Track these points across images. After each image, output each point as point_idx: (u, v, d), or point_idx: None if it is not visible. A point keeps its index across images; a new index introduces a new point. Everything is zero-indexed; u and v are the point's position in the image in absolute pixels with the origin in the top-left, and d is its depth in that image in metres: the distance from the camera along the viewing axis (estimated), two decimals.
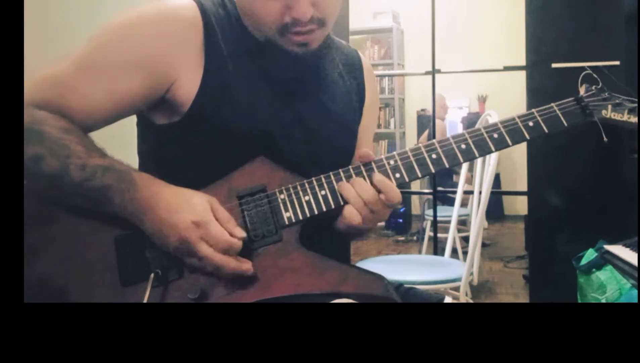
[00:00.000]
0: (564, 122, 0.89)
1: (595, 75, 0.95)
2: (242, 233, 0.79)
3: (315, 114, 0.94)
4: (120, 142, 0.89)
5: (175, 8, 0.86)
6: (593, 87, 0.93)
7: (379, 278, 0.81)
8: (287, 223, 0.83)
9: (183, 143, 0.87)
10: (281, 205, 0.84)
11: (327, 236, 0.88)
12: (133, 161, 0.89)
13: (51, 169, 0.78)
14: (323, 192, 0.84)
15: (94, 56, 0.85)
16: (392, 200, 0.84)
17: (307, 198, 0.84)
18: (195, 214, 0.77)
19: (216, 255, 0.77)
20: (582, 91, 0.93)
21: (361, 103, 1.04)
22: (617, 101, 0.92)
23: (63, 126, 0.81)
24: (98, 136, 0.87)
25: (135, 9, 0.86)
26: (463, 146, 0.87)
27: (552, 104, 0.90)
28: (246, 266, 0.79)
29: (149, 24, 0.85)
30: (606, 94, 0.92)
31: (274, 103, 0.90)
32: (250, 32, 0.89)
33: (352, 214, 0.83)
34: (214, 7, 0.89)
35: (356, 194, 0.83)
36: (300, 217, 0.83)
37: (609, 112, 0.91)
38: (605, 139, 0.90)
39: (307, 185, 0.85)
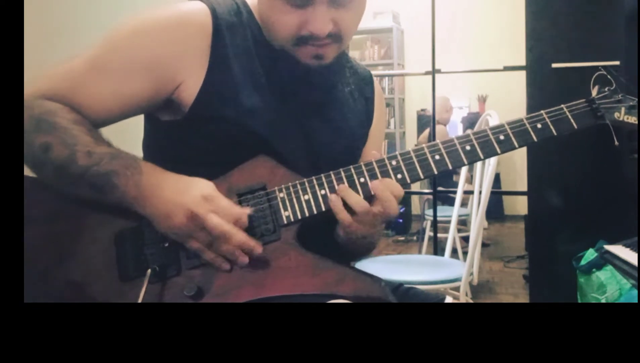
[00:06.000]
0: (574, 124, 0.86)
1: (609, 76, 0.92)
2: (249, 209, 0.81)
3: (318, 125, 0.94)
4: (123, 138, 0.90)
5: (187, 13, 0.87)
6: (606, 89, 0.89)
7: (376, 280, 0.81)
8: (285, 222, 0.83)
9: (184, 141, 0.88)
10: (280, 204, 0.84)
11: (326, 236, 0.88)
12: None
13: (59, 157, 0.79)
14: (323, 191, 0.84)
15: (106, 57, 0.86)
16: (388, 212, 0.83)
17: (306, 197, 0.84)
18: (204, 191, 0.80)
19: (226, 223, 0.78)
20: (594, 92, 0.90)
21: (368, 123, 1.04)
22: (630, 103, 0.88)
23: (73, 117, 0.83)
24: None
25: (149, 13, 0.88)
26: (467, 148, 0.85)
27: (562, 106, 0.87)
28: (253, 243, 0.80)
29: (161, 30, 0.86)
30: (619, 96, 0.89)
31: (277, 110, 0.90)
32: (267, 39, 0.90)
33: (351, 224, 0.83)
34: (228, 14, 0.90)
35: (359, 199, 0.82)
36: (299, 216, 0.83)
37: (622, 115, 0.88)
38: (616, 142, 0.87)
39: (307, 184, 0.85)
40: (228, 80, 0.87)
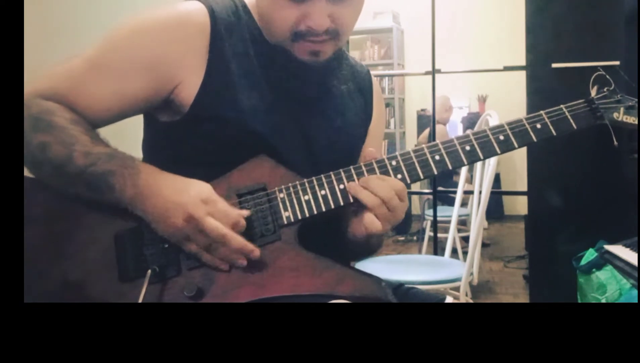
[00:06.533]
0: (574, 124, 0.87)
1: (608, 76, 0.92)
2: (246, 212, 0.81)
3: (317, 124, 0.94)
4: (123, 139, 0.90)
5: (186, 13, 0.87)
6: (605, 89, 0.90)
7: (376, 280, 0.81)
8: (285, 222, 0.83)
9: (184, 141, 0.88)
10: (280, 204, 0.84)
11: (326, 236, 0.88)
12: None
13: (57, 156, 0.80)
14: (323, 192, 0.84)
15: (106, 56, 0.87)
16: (396, 187, 0.83)
17: (306, 197, 0.84)
18: (203, 194, 0.79)
19: (223, 227, 0.78)
20: (593, 92, 0.90)
21: (367, 122, 1.04)
22: (630, 103, 0.89)
23: (71, 117, 0.83)
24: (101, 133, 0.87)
25: (148, 13, 0.88)
26: (467, 148, 0.86)
27: (562, 106, 0.88)
28: (251, 247, 0.79)
29: (161, 30, 0.87)
30: (618, 96, 0.89)
31: (276, 109, 0.90)
32: (265, 37, 0.91)
33: (373, 222, 0.82)
34: (226, 13, 0.90)
35: (371, 193, 0.82)
36: (300, 217, 0.83)
37: (620, 115, 0.88)
38: (615, 143, 0.87)
39: (307, 184, 0.85)
40: (227, 80, 0.87)
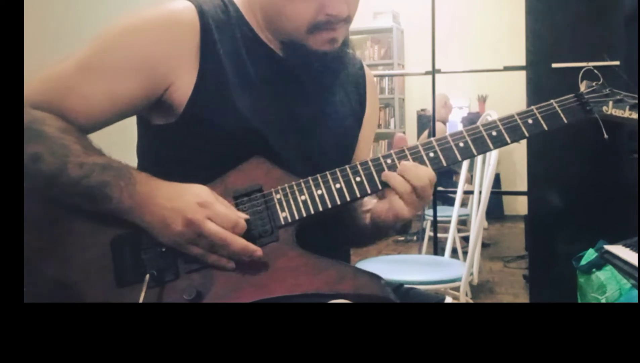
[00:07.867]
0: (564, 119, 0.88)
1: (596, 71, 0.94)
2: (245, 216, 0.81)
3: (312, 119, 0.94)
4: (119, 142, 0.89)
5: (174, 12, 0.87)
6: (594, 83, 0.91)
7: (376, 278, 0.81)
8: (283, 223, 0.83)
9: (179, 144, 0.88)
10: (277, 205, 0.84)
11: (325, 235, 0.88)
12: (131, 161, 0.89)
13: (50, 168, 0.78)
14: (319, 191, 0.84)
15: (96, 58, 0.86)
16: (430, 176, 0.84)
17: (303, 197, 0.84)
18: (199, 197, 0.79)
19: (224, 231, 0.78)
20: (582, 87, 0.92)
21: (361, 112, 1.05)
22: (618, 97, 0.90)
23: (61, 126, 0.82)
24: (97, 136, 0.87)
25: (136, 13, 0.87)
26: (461, 145, 0.87)
27: (552, 101, 0.89)
28: (253, 247, 0.79)
29: (150, 29, 0.86)
30: (607, 90, 0.91)
31: (271, 106, 0.90)
32: (258, 35, 0.90)
33: (402, 209, 0.83)
34: (214, 11, 0.89)
35: (403, 180, 0.83)
36: (297, 217, 0.83)
37: (610, 109, 0.90)
38: (605, 136, 0.89)
39: (303, 185, 0.85)
40: (220, 79, 0.86)
